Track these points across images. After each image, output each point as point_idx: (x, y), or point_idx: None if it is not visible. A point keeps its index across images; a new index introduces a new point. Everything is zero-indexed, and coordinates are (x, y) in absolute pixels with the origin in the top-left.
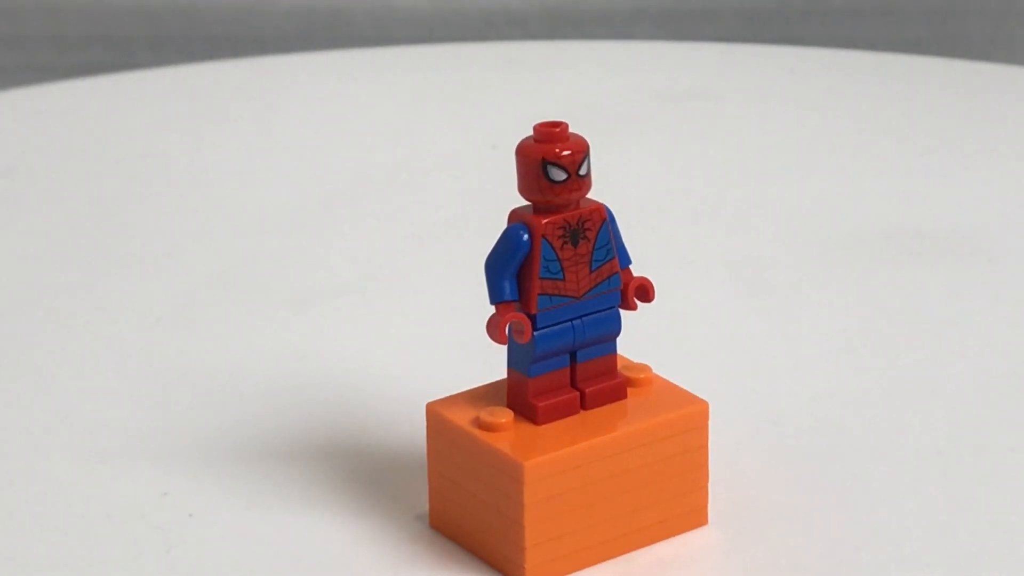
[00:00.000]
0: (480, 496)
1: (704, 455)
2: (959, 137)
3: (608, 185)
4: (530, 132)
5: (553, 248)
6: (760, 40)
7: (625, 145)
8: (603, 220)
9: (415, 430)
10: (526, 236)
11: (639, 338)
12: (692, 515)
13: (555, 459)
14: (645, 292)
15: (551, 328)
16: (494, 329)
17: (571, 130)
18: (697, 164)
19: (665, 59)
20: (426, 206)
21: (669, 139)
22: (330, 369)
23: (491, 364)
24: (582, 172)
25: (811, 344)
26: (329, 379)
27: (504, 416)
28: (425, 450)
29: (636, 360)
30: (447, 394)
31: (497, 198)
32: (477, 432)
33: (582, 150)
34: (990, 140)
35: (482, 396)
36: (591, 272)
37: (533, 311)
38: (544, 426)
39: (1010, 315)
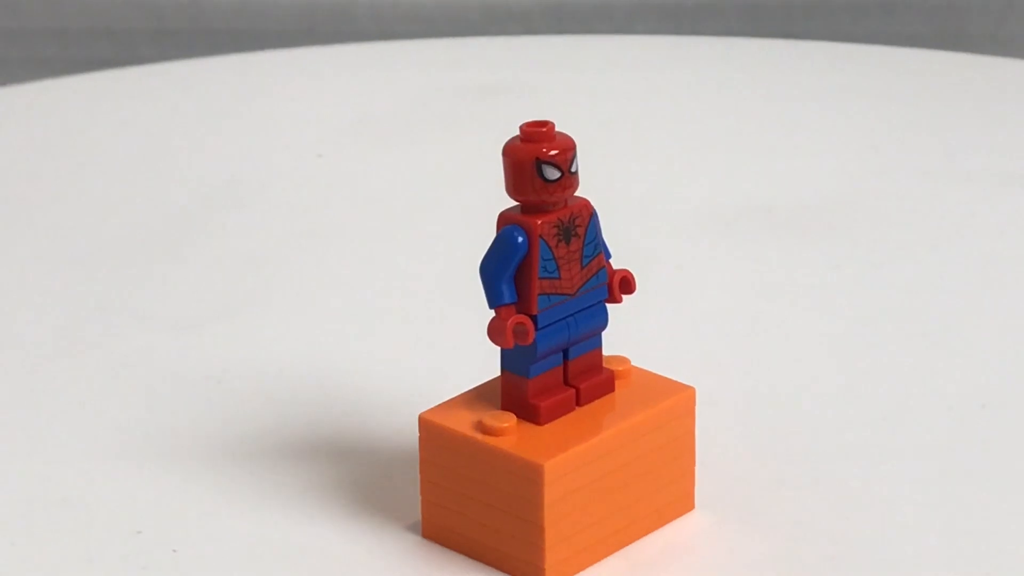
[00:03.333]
0: (486, 502)
1: (692, 440)
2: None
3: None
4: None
5: (549, 247)
6: (763, 34)
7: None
8: (591, 215)
9: (390, 440)
10: (522, 238)
11: None
12: (681, 501)
13: (571, 457)
14: (628, 284)
15: (549, 327)
16: (499, 333)
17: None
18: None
19: (472, 54)
20: (423, 207)
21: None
22: (276, 382)
23: (443, 369)
24: (573, 169)
25: (720, 323)
26: (273, 394)
27: (507, 420)
28: (405, 458)
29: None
30: (407, 402)
31: (481, 201)
32: (483, 438)
33: (572, 147)
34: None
35: (472, 401)
36: (582, 268)
37: (535, 312)
38: (546, 426)
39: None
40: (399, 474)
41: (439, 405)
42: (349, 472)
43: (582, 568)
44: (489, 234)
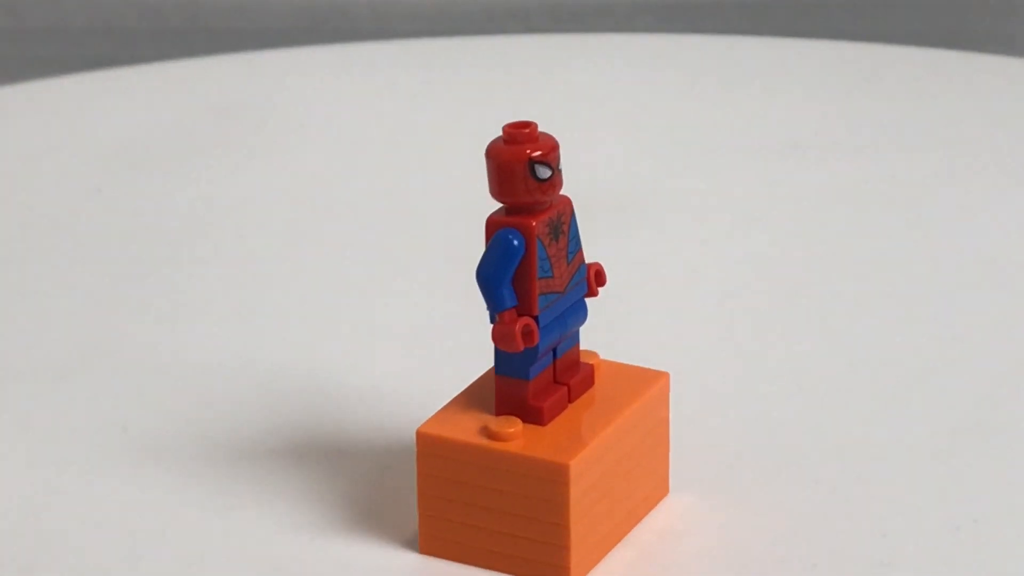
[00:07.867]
0: (497, 509)
1: (667, 425)
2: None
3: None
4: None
5: (544, 247)
6: (763, 33)
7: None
8: (572, 211)
9: (374, 457)
10: (518, 241)
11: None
12: (660, 486)
13: (590, 452)
14: (601, 276)
15: (547, 326)
16: (508, 338)
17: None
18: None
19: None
20: (420, 210)
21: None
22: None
23: (385, 383)
24: (560, 167)
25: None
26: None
27: (513, 424)
28: (388, 473)
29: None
30: (372, 419)
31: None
32: (495, 444)
33: (557, 145)
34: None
35: (464, 410)
36: (568, 264)
37: (536, 312)
38: (548, 425)
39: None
40: (385, 489)
41: (432, 418)
42: (335, 489)
43: (596, 563)
44: (421, 243)
